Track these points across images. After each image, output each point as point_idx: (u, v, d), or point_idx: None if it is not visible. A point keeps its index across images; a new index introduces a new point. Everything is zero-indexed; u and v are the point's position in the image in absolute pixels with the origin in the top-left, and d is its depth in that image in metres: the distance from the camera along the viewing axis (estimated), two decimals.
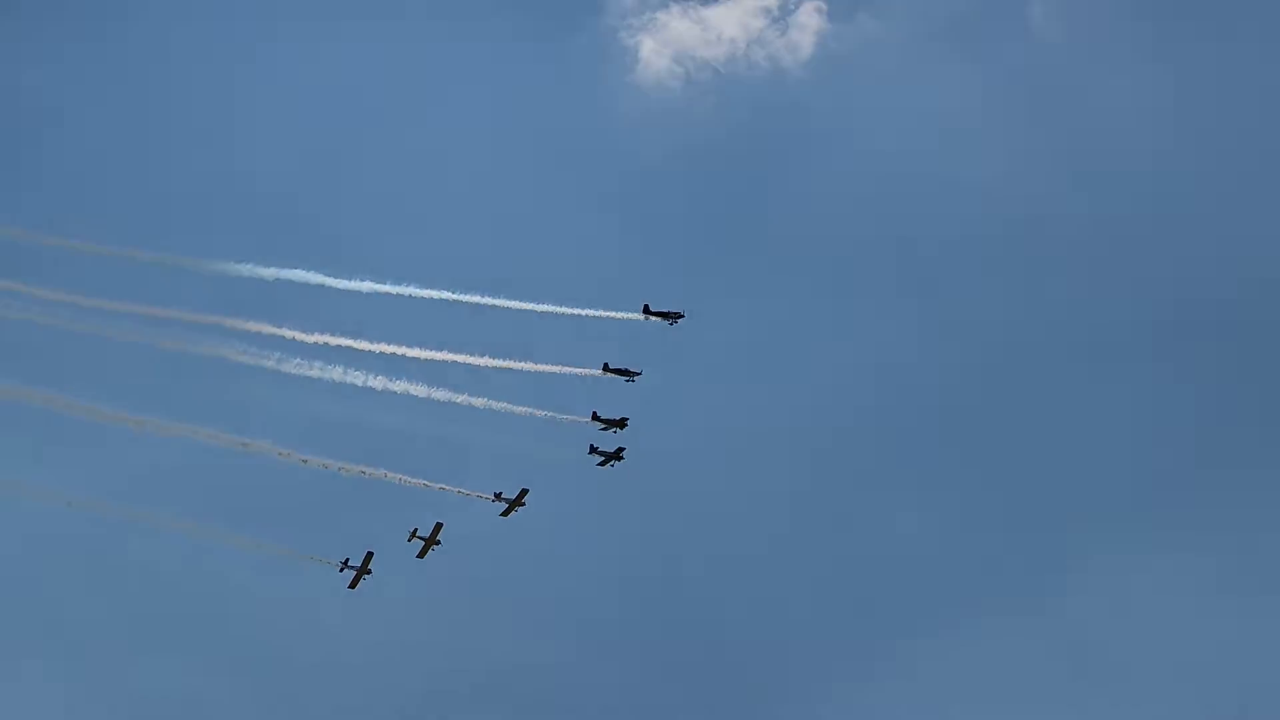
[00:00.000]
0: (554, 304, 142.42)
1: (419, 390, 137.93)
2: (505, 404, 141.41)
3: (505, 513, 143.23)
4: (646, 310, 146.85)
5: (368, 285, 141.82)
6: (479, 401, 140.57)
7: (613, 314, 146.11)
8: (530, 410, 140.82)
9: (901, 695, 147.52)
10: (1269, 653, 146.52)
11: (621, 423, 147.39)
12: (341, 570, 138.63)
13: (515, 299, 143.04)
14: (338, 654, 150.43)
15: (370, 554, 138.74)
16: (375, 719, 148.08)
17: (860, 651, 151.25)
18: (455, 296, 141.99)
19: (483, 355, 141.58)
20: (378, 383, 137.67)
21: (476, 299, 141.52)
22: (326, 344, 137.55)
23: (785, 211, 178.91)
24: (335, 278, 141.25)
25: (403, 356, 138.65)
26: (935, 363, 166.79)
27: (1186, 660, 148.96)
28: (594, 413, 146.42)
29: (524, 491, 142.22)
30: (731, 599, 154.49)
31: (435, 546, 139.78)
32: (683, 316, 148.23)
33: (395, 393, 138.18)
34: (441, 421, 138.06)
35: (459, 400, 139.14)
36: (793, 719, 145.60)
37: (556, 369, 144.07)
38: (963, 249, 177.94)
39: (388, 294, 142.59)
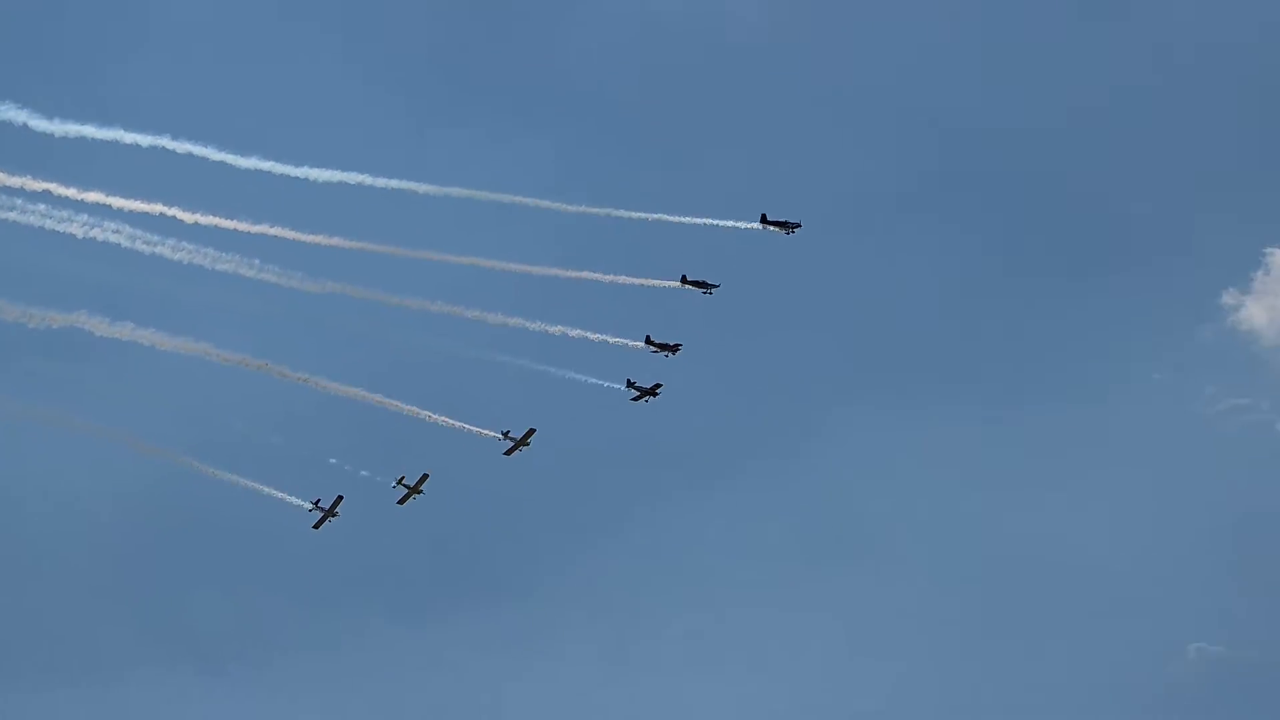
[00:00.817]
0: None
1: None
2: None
3: (509, 451, 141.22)
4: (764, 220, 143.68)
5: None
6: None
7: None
8: (583, 333, 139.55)
9: (651, 556, 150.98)
10: (1025, 524, 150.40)
11: (675, 347, 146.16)
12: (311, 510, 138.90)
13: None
14: None
15: (340, 497, 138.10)
16: None
17: (612, 513, 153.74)
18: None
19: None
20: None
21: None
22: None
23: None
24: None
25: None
26: None
27: (942, 530, 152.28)
28: (648, 336, 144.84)
29: (531, 431, 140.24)
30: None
31: (417, 495, 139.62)
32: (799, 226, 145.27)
33: None
34: None
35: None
36: (540, 583, 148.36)
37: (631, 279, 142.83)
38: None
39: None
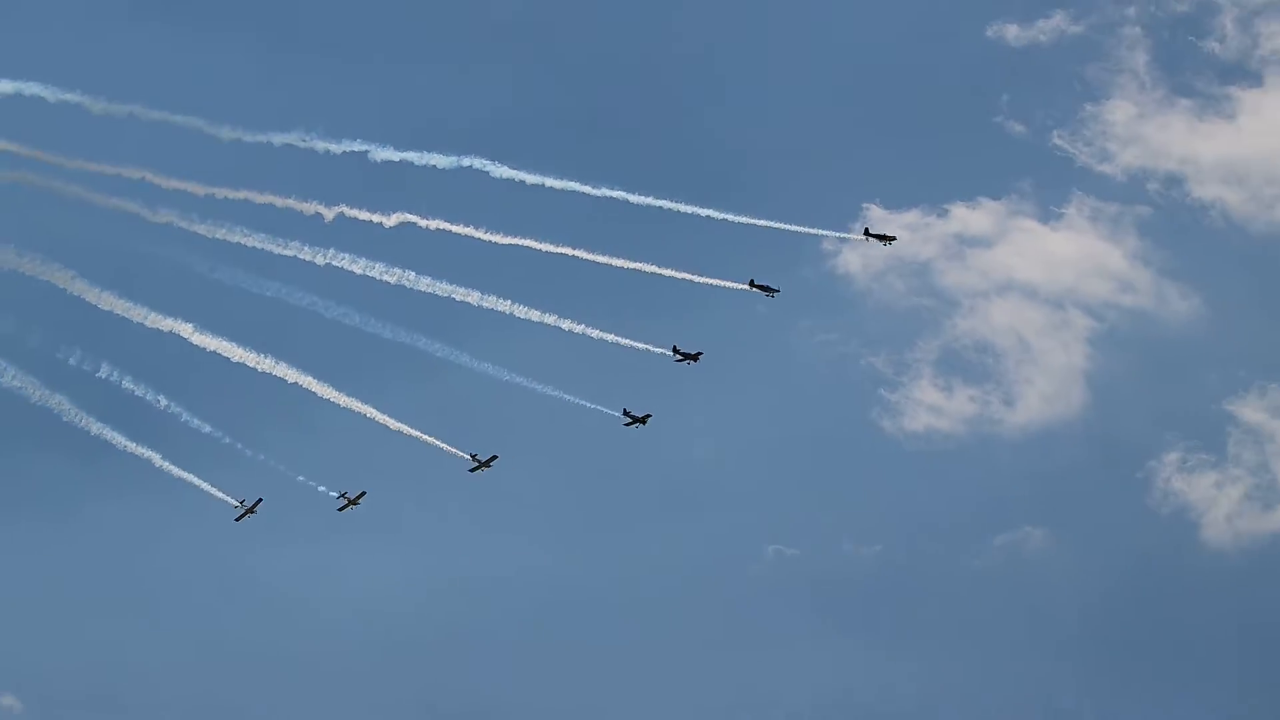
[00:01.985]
0: None
1: None
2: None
3: (474, 469, 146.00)
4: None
5: None
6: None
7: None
8: (615, 337, 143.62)
9: None
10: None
11: (696, 356, 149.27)
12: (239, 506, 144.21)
13: None
14: None
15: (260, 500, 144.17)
16: None
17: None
18: None
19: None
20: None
21: None
22: None
23: None
24: None
25: None
26: None
27: None
28: (674, 346, 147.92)
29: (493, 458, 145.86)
30: None
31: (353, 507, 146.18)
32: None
33: None
34: None
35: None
36: None
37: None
38: None
39: None
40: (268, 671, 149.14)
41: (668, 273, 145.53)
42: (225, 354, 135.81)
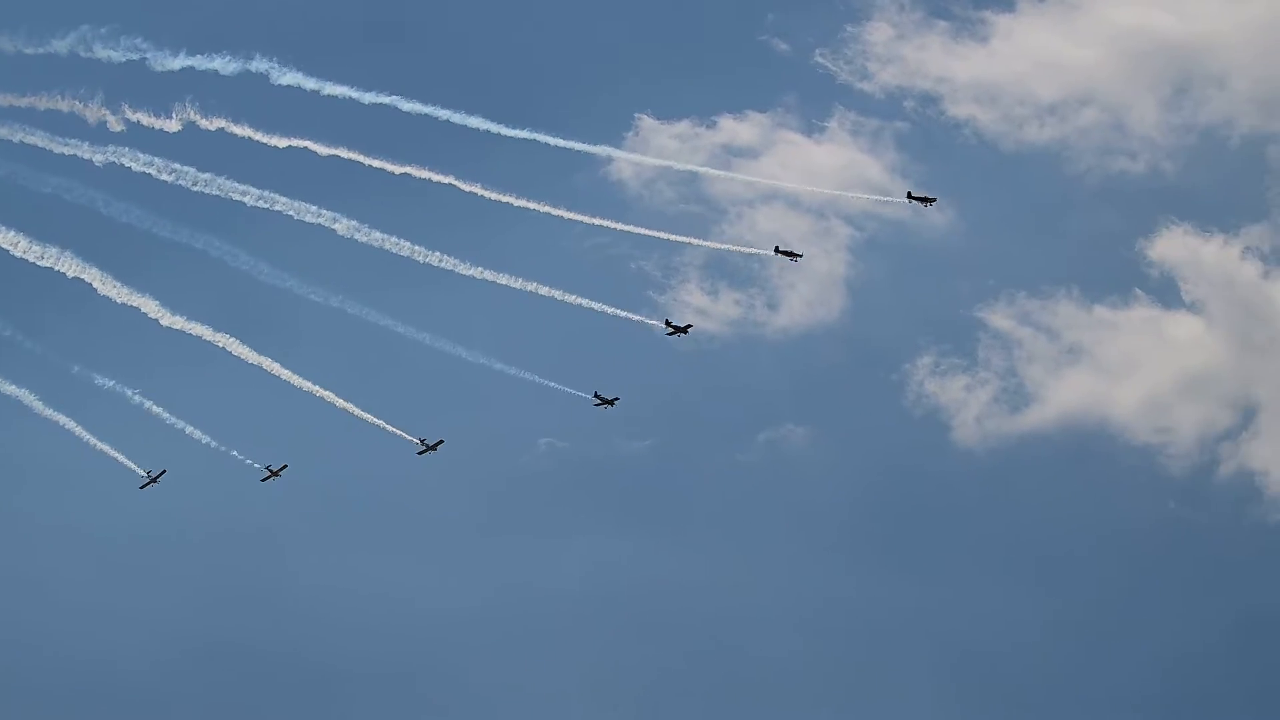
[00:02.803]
0: None
1: None
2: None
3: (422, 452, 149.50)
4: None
5: None
6: None
7: None
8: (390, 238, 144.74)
9: None
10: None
11: (686, 329, 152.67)
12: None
13: None
14: None
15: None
16: None
17: None
18: None
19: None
20: None
21: None
22: None
23: None
24: None
25: None
26: None
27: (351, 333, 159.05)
28: (666, 320, 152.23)
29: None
30: None
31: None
32: None
33: None
34: None
35: None
36: None
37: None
38: None
39: None
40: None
41: (439, 178, 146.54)
42: (5, 246, 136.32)
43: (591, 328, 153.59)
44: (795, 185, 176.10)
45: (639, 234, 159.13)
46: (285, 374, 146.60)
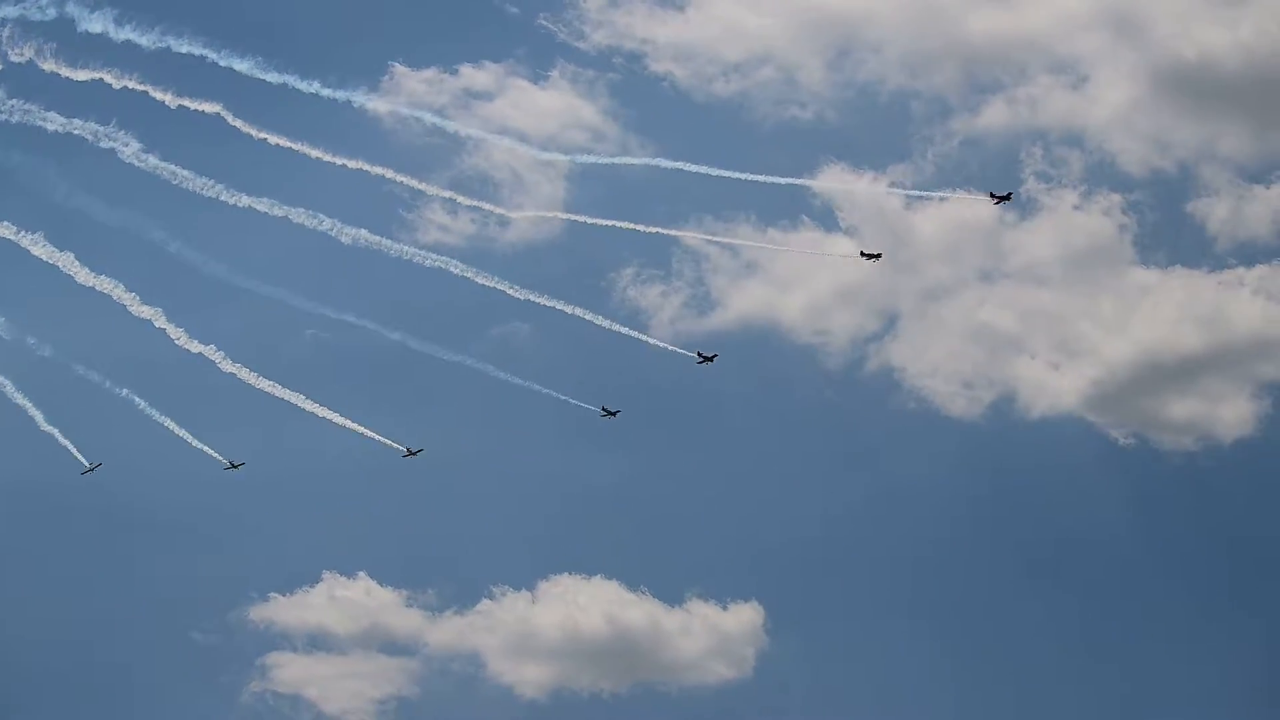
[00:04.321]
0: None
1: None
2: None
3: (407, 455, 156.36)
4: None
5: None
6: None
7: None
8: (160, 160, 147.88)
9: None
10: None
11: (711, 358, 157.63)
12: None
13: None
14: None
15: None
16: None
17: None
18: None
19: None
20: None
21: None
22: None
23: None
24: None
25: None
26: None
27: None
28: (698, 351, 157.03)
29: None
30: None
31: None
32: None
33: None
34: None
35: None
36: None
37: None
38: None
39: None
40: None
41: (209, 108, 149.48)
42: None
43: (341, 248, 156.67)
44: (522, 123, 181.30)
45: (391, 160, 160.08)
46: (79, 270, 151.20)
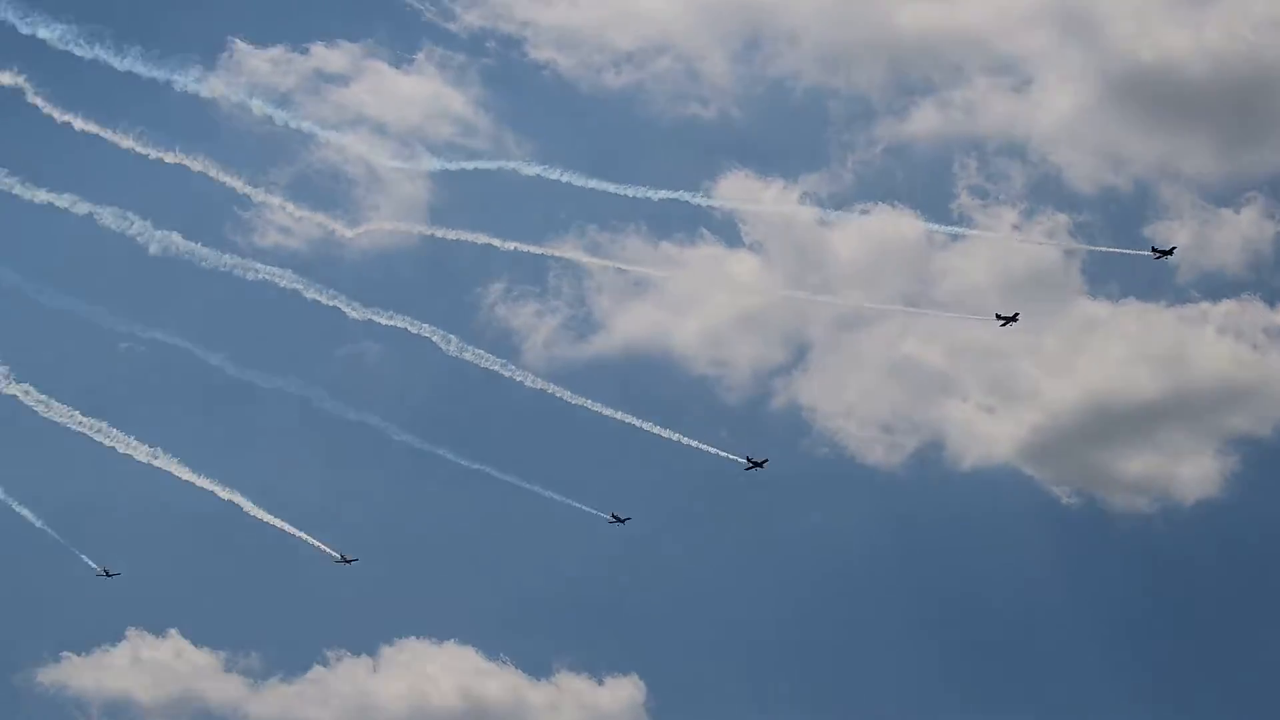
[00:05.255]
0: None
1: None
2: None
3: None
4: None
5: None
6: None
7: None
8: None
9: None
10: None
11: (763, 463, 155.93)
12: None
13: None
14: None
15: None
16: None
17: None
18: None
19: None
20: None
21: None
22: None
23: None
24: None
25: None
26: None
27: None
28: (747, 456, 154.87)
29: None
30: None
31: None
32: None
33: None
34: None
35: None
36: None
37: None
38: None
39: None
40: None
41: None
42: None
43: (176, 241, 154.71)
44: (379, 112, 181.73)
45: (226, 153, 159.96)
46: None
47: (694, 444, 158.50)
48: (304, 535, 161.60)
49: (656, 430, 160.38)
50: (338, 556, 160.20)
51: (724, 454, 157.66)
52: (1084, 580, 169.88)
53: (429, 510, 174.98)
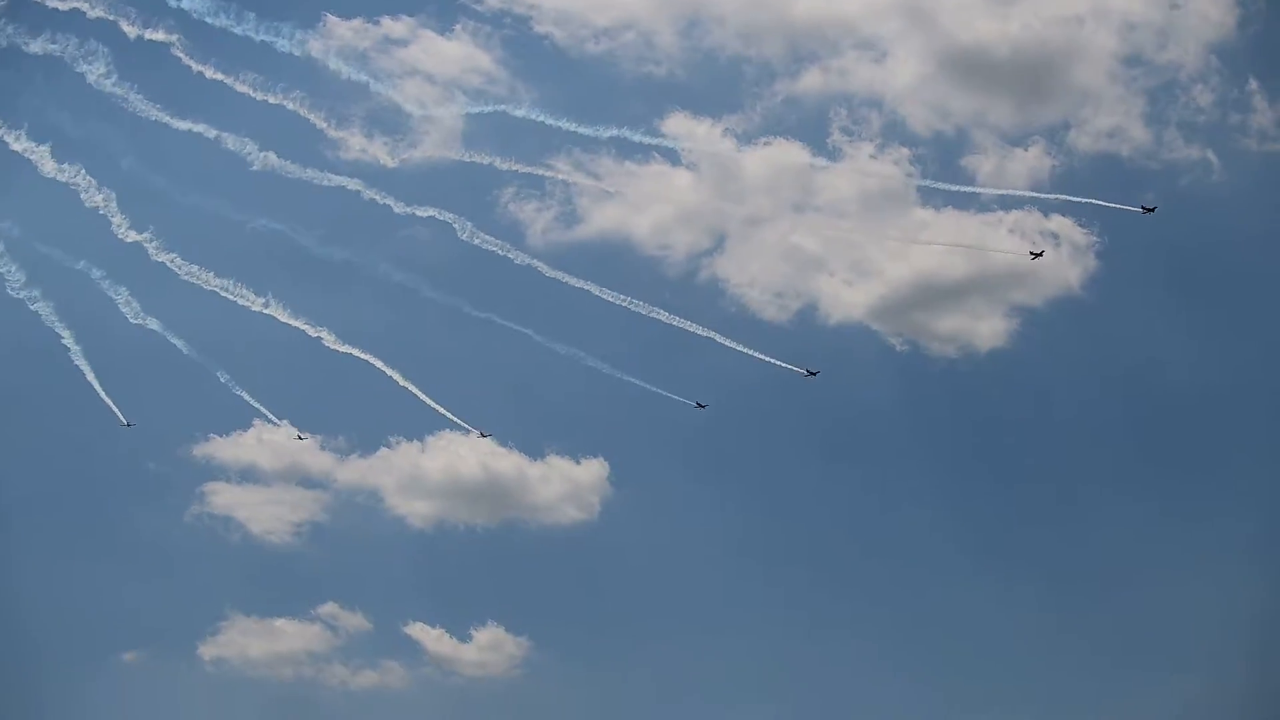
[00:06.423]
0: None
1: None
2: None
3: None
4: None
5: None
6: None
7: None
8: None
9: None
10: None
11: (815, 373, 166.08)
12: None
13: None
14: None
15: None
16: None
17: None
18: None
19: None
20: None
21: None
22: None
23: None
24: None
25: None
26: None
27: None
28: (806, 368, 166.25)
29: None
30: None
31: None
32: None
33: None
34: None
35: None
36: None
37: None
38: None
39: None
40: None
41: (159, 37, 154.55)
42: None
43: (260, 172, 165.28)
44: (431, 67, 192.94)
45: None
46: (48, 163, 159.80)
47: (752, 354, 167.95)
48: (369, 358, 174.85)
49: (621, 300, 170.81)
50: (397, 377, 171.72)
51: (785, 365, 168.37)
52: (910, 404, 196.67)
53: (456, 345, 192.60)
